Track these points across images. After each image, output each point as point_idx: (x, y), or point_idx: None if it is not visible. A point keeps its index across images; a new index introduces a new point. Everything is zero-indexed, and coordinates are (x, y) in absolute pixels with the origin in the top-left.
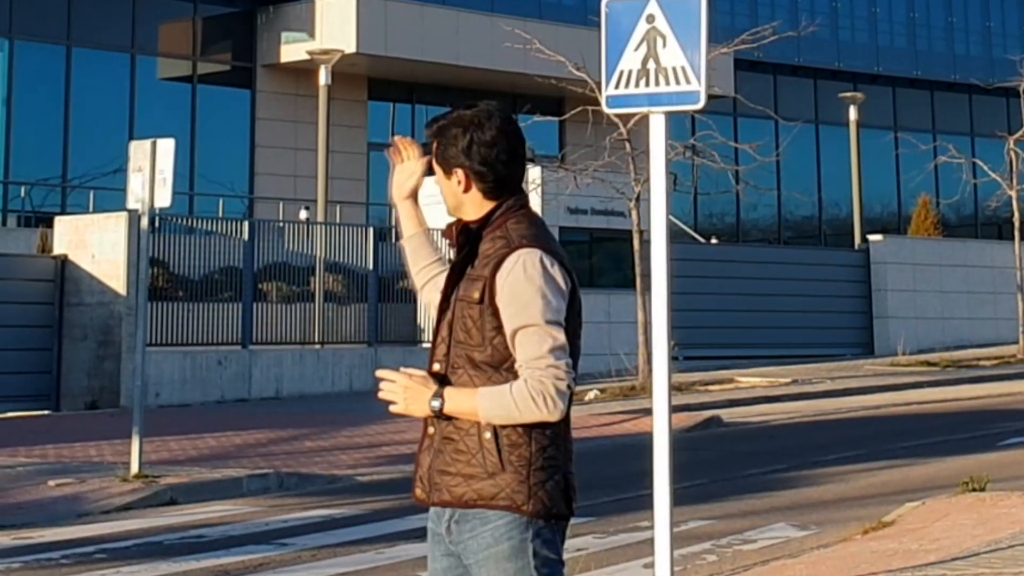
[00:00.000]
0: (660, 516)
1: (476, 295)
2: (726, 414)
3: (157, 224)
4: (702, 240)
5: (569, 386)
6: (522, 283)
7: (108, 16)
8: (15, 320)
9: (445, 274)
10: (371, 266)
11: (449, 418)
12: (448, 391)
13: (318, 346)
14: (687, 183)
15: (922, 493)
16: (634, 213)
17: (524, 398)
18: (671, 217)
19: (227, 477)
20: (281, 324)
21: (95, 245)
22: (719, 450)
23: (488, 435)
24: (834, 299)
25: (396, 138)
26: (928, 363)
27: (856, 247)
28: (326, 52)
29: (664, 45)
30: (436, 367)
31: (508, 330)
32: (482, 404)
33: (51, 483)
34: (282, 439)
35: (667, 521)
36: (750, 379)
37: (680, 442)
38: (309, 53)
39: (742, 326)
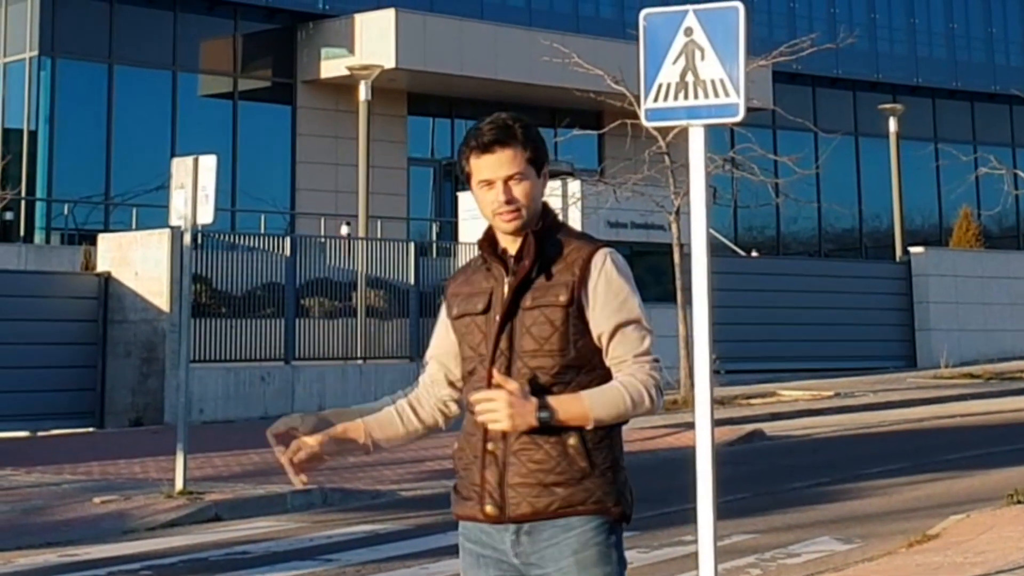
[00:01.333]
0: (704, 530)
1: (563, 298)
2: (768, 428)
3: (200, 241)
4: (742, 253)
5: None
6: (617, 281)
7: (150, 34)
8: (59, 337)
9: (408, 399)
10: (412, 281)
11: (537, 430)
12: (554, 400)
13: (360, 361)
14: (727, 196)
15: (967, 506)
16: (674, 226)
17: (638, 393)
18: (711, 230)
19: (271, 493)
20: (323, 340)
21: (138, 262)
22: (762, 464)
23: (573, 440)
24: (876, 311)
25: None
26: (971, 375)
27: (898, 259)
28: (366, 68)
29: (703, 58)
30: (498, 381)
31: (605, 327)
32: (593, 405)
33: (96, 500)
34: None
35: (711, 535)
36: (792, 392)
37: (723, 456)
38: (349, 69)
39: (784, 339)
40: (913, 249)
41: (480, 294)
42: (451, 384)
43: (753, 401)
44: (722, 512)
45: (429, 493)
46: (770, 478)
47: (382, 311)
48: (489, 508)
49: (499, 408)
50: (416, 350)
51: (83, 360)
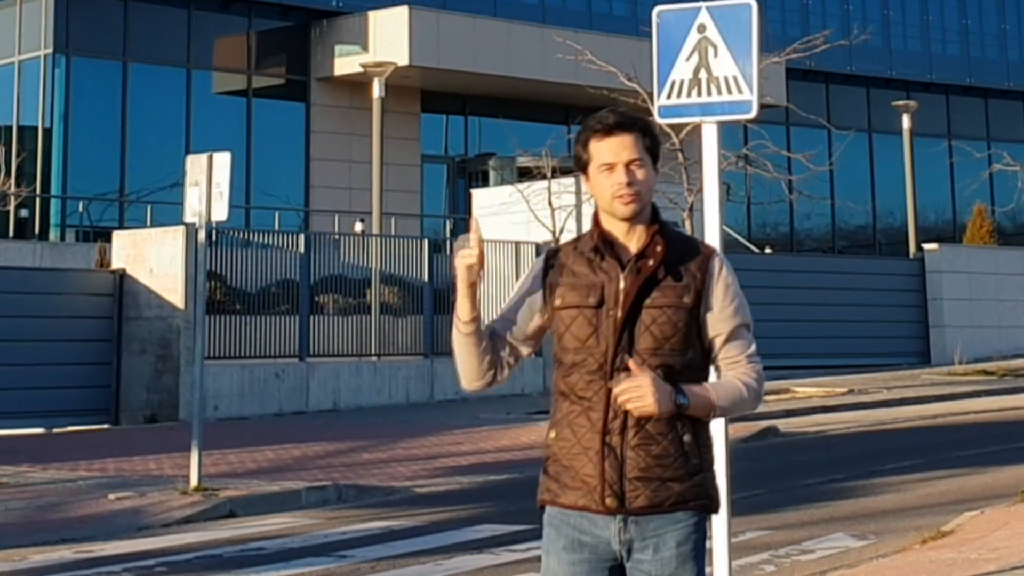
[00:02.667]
0: (718, 526)
1: (688, 300)
2: (782, 424)
3: (214, 238)
4: (756, 250)
5: None
6: (733, 284)
7: (164, 32)
8: (74, 334)
9: (493, 346)
10: (426, 278)
11: (646, 420)
12: (688, 388)
13: (375, 358)
14: (740, 193)
15: (981, 502)
16: (687, 223)
17: (753, 389)
18: (725, 227)
19: (286, 490)
20: (338, 336)
21: (153, 259)
22: (776, 460)
23: (688, 437)
24: (890, 308)
25: (476, 231)
26: (985, 372)
27: (911, 256)
28: (379, 65)
29: (716, 55)
30: (618, 376)
31: (722, 329)
32: (719, 397)
33: (111, 497)
34: (340, 451)
35: (725, 531)
36: (806, 389)
37: (737, 452)
38: (363, 66)
39: (798, 336)
40: (927, 246)
41: (591, 287)
42: (516, 358)
43: (767, 398)
44: (736, 509)
45: (443, 490)
46: (784, 474)
47: (396, 308)
48: (609, 500)
49: (646, 392)
50: (430, 346)
51: (98, 357)
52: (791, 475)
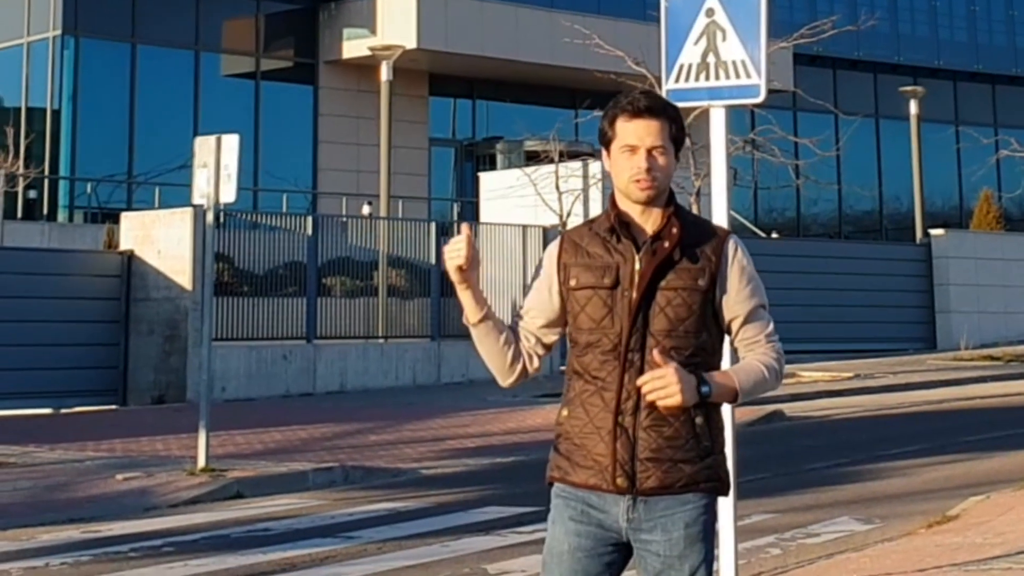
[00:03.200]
0: (724, 509)
1: (703, 283)
2: (788, 408)
3: (222, 219)
4: (762, 235)
5: None
6: (749, 266)
7: (172, 13)
8: (82, 315)
9: (516, 342)
10: (433, 260)
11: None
12: (711, 376)
13: (382, 340)
14: (747, 178)
15: (986, 487)
16: (695, 207)
17: (774, 371)
18: (732, 212)
19: (293, 471)
20: (345, 319)
21: (161, 241)
22: (781, 444)
23: (700, 419)
24: (896, 293)
25: (467, 233)
26: (991, 357)
27: (918, 241)
28: (387, 48)
29: (724, 39)
30: (634, 357)
31: (740, 311)
32: (741, 382)
33: (119, 477)
34: (347, 433)
35: (731, 514)
36: (812, 373)
37: (742, 436)
38: (371, 49)
39: (804, 320)
40: (933, 231)
41: (606, 268)
42: (543, 346)
43: None
44: (742, 492)
45: (450, 471)
46: (790, 458)
47: (403, 290)
48: (620, 480)
49: (671, 384)
50: (437, 329)
51: (106, 338)
52: (797, 459)
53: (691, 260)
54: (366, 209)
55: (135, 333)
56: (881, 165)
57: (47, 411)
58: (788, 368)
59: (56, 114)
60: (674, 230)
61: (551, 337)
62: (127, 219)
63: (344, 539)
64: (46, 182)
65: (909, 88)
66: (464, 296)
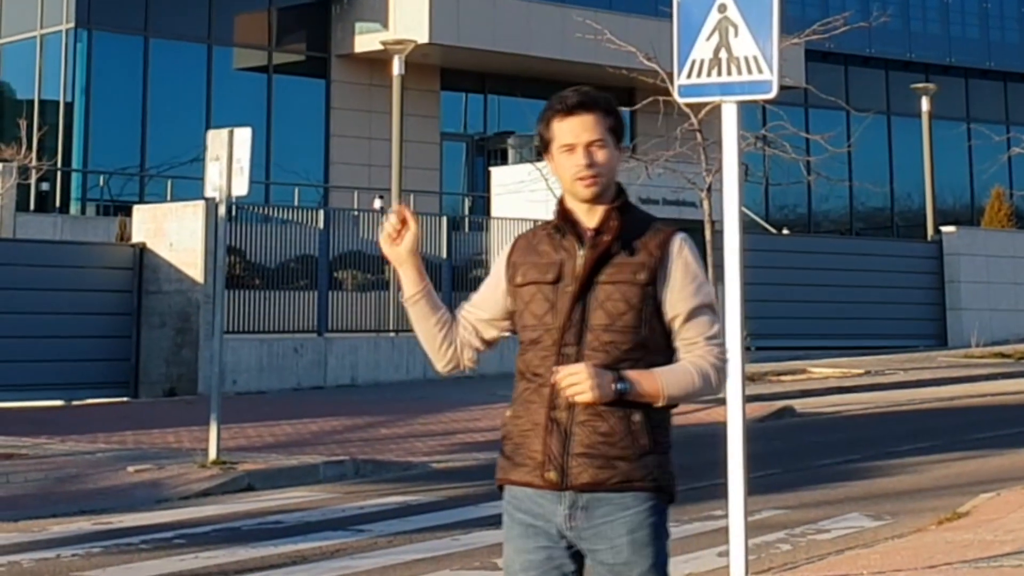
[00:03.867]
0: (734, 505)
1: (642, 277)
2: (799, 404)
3: (234, 213)
4: (773, 231)
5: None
6: (694, 264)
7: (185, 7)
8: (94, 308)
9: (451, 325)
10: (444, 255)
11: (611, 404)
12: (630, 374)
13: (393, 334)
14: (758, 174)
15: (997, 484)
16: (705, 203)
17: (706, 374)
18: (743, 208)
19: (304, 464)
20: (356, 312)
21: (173, 233)
22: (792, 440)
23: (638, 416)
24: (907, 290)
25: (399, 209)
26: (1002, 355)
27: (929, 239)
28: (399, 42)
29: (736, 35)
30: (568, 351)
31: (680, 310)
32: (666, 383)
33: (130, 469)
34: (358, 426)
35: (741, 510)
36: (823, 370)
37: (753, 432)
38: (383, 43)
39: (814, 317)
40: (945, 228)
41: (550, 264)
42: (481, 340)
43: (783, 378)
44: (752, 488)
45: (460, 465)
46: (800, 454)
47: None
48: (551, 474)
49: (582, 379)
50: None
51: (117, 330)
52: (807, 455)
53: (631, 254)
54: (377, 203)
55: (147, 325)
56: (892, 162)
57: (59, 403)
58: (799, 364)
59: (69, 107)
60: (613, 223)
61: (491, 332)
62: (139, 212)
63: (355, 532)
64: (58, 174)
65: (921, 85)
66: (401, 273)
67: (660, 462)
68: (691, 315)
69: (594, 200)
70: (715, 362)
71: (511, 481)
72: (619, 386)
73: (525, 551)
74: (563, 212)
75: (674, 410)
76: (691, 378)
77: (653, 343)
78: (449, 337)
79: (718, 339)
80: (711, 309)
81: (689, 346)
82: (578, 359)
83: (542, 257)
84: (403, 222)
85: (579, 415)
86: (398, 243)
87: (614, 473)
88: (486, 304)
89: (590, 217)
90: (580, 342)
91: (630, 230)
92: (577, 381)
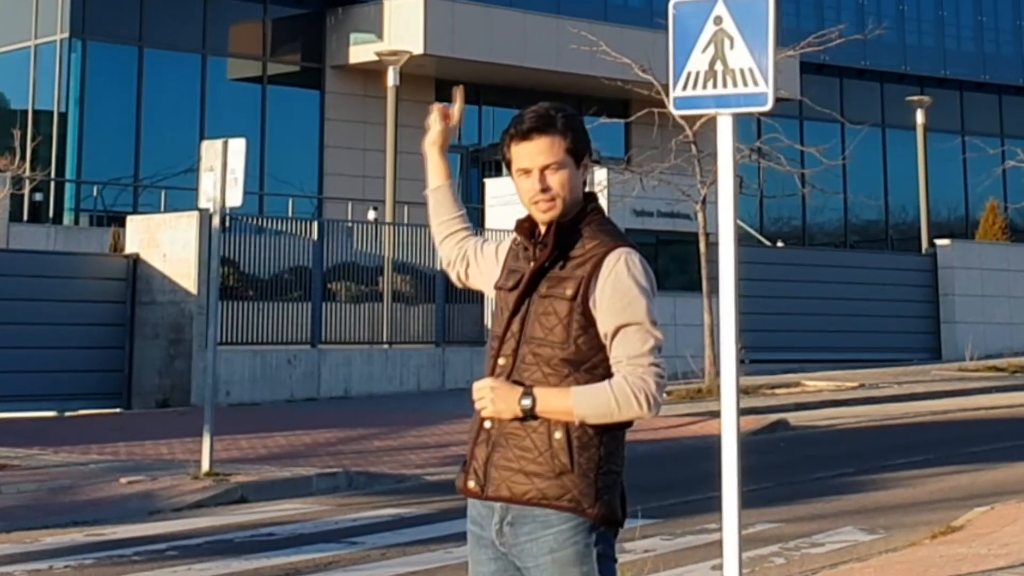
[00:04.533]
0: (728, 518)
1: (569, 292)
2: (793, 417)
3: (228, 224)
4: (768, 244)
5: (665, 385)
6: (626, 281)
7: (179, 17)
8: (87, 318)
9: (465, 232)
10: (438, 266)
11: (526, 418)
12: (538, 390)
13: (386, 346)
14: (753, 186)
15: (991, 498)
16: (700, 216)
17: (626, 396)
18: (738, 221)
19: (297, 476)
20: (350, 324)
21: (167, 244)
22: (786, 453)
23: (559, 434)
24: (901, 303)
25: (443, 107)
26: (996, 368)
27: (923, 252)
28: (394, 53)
29: (732, 47)
30: (502, 361)
31: (607, 327)
32: (578, 402)
33: (123, 480)
34: (351, 438)
35: (735, 523)
36: (817, 383)
37: (747, 445)
38: (377, 54)
39: (809, 330)
40: (939, 242)
41: (516, 272)
42: (460, 260)
43: (777, 391)
44: (746, 501)
45: (453, 478)
46: (794, 468)
47: (408, 296)
48: (472, 484)
49: (485, 395)
50: (442, 335)
51: (111, 341)
52: (801, 468)
53: (564, 269)
54: (371, 214)
55: (140, 336)
56: (887, 175)
57: (51, 414)
58: (793, 377)
59: (63, 117)
60: (550, 238)
61: (462, 263)
62: (133, 222)
63: (348, 544)
64: (52, 185)
65: (916, 98)
66: (431, 162)
67: (583, 483)
68: (616, 333)
69: (552, 222)
70: (638, 383)
71: (457, 488)
72: (523, 402)
73: (478, 562)
74: (527, 224)
75: (628, 430)
76: (607, 399)
77: (586, 360)
78: (463, 232)
79: (645, 359)
80: (641, 327)
81: (616, 365)
82: (512, 371)
83: (517, 263)
84: (446, 117)
85: (505, 428)
86: (446, 126)
87: (529, 488)
88: (483, 257)
89: (545, 228)
90: (516, 353)
91: (573, 245)
92: (480, 396)
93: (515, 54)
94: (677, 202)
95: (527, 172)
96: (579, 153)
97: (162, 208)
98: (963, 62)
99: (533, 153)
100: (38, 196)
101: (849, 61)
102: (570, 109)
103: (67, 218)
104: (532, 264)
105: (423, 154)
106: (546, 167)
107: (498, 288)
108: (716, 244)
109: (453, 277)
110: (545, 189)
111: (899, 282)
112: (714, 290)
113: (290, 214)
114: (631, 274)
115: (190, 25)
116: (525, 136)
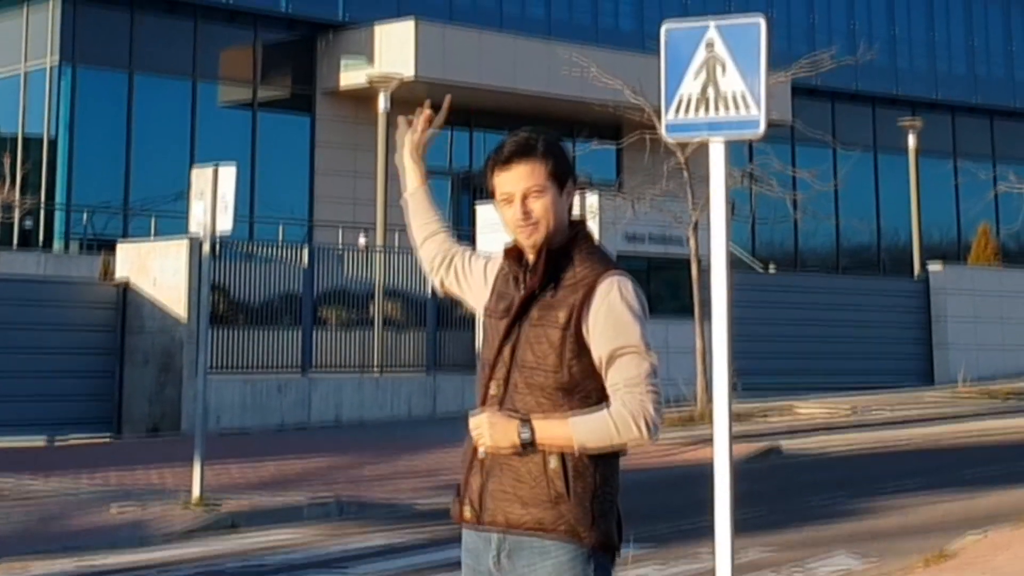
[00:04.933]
0: (721, 545)
1: (562, 319)
2: (786, 443)
3: (218, 250)
4: (760, 269)
5: (663, 408)
6: (619, 307)
7: (170, 43)
8: (78, 346)
9: (446, 233)
10: (429, 293)
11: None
12: (537, 421)
13: (377, 373)
14: (745, 211)
15: (984, 524)
16: (692, 241)
17: (625, 421)
18: (730, 245)
19: (288, 503)
20: (340, 350)
21: (156, 271)
22: (778, 479)
23: (554, 463)
24: (894, 328)
25: (426, 111)
26: (989, 393)
27: (916, 276)
28: (385, 78)
29: (724, 72)
30: (493, 389)
31: (602, 353)
32: (578, 431)
33: (113, 509)
34: (342, 466)
35: (728, 550)
36: (810, 408)
37: (739, 471)
38: (368, 79)
39: (801, 355)
40: (931, 266)
41: (506, 298)
42: (444, 266)
43: (770, 416)
44: (738, 527)
45: (444, 506)
46: (787, 494)
47: (399, 322)
48: (467, 512)
49: (483, 428)
50: (433, 361)
51: (101, 368)
52: (794, 494)
53: (555, 295)
54: (362, 240)
55: (130, 363)
56: (879, 198)
57: (41, 441)
58: (785, 403)
59: (53, 143)
60: (540, 265)
61: (445, 271)
62: (123, 249)
63: (339, 572)
64: (42, 211)
65: (907, 121)
66: (409, 168)
67: (579, 510)
68: (611, 359)
69: (536, 247)
70: (636, 408)
71: (452, 517)
72: (523, 434)
73: None
74: (514, 250)
75: (623, 457)
76: (606, 426)
77: (580, 387)
78: (437, 240)
79: (642, 384)
80: (635, 351)
81: (612, 391)
82: (504, 398)
83: (506, 288)
84: (428, 121)
85: (500, 456)
86: (420, 134)
87: (524, 516)
88: (471, 269)
89: (532, 254)
90: (508, 380)
91: (564, 272)
92: (477, 427)
93: (506, 78)
94: (669, 227)
95: (510, 199)
96: (561, 178)
97: (152, 233)
98: (955, 85)
99: (514, 179)
100: (28, 223)
101: (841, 85)
102: (551, 135)
103: (57, 244)
104: (523, 291)
105: (398, 167)
106: (528, 193)
107: (488, 314)
108: (708, 269)
109: (437, 283)
110: (527, 214)
111: (892, 307)
112: (706, 316)
113: (280, 238)
114: (624, 300)
115: (180, 51)
116: (506, 163)
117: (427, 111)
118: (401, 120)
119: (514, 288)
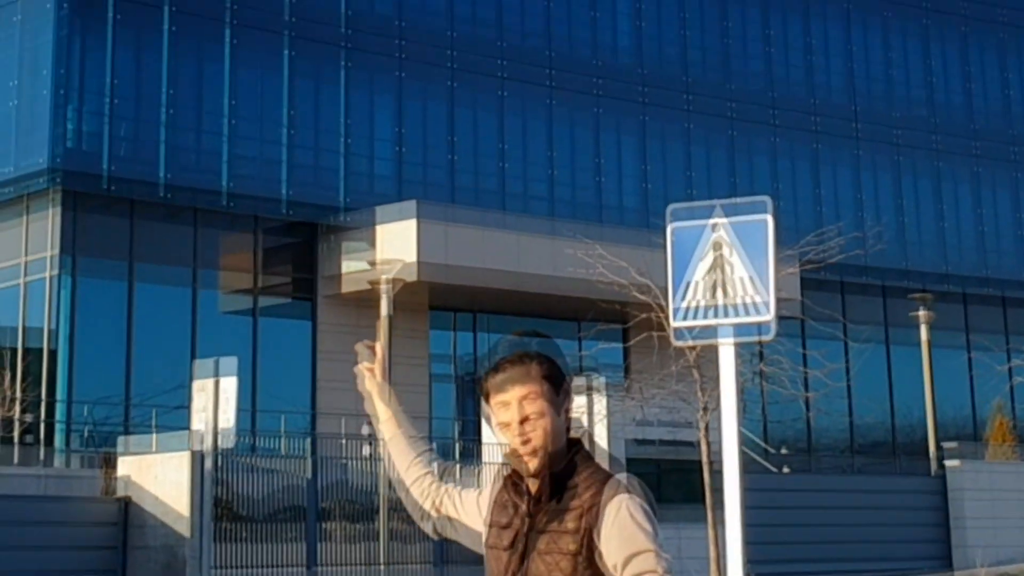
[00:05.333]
0: None
1: (572, 547)
2: None
3: (219, 462)
4: (774, 469)
5: None
6: (630, 525)
7: (169, 251)
8: (79, 565)
9: (430, 477)
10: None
11: None
12: None
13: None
14: (756, 411)
15: None
16: (704, 443)
17: None
18: (742, 447)
19: None
20: (346, 560)
21: (158, 485)
22: None
23: None
24: (909, 528)
25: (374, 346)
26: None
27: (932, 473)
28: (387, 281)
29: (732, 272)
30: None
31: (618, 559)
32: None
33: None
34: None
35: None
36: None
37: None
38: (370, 283)
39: (815, 558)
40: (949, 463)
41: (508, 529)
42: (439, 495)
43: None
44: None
45: None
46: None
47: (405, 534)
48: None
49: None
50: (440, 558)
51: None
52: None
53: (562, 523)
54: (366, 429)
55: None
56: (892, 385)
57: None
58: None
59: (52, 354)
60: (543, 497)
61: (433, 507)
62: (124, 463)
63: None
64: (42, 425)
65: (920, 312)
66: (376, 404)
67: None
68: (627, 561)
69: (538, 473)
70: None
71: None
72: None
73: None
74: (508, 477)
75: None
76: None
77: None
78: (427, 480)
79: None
80: (650, 552)
81: None
82: None
83: (505, 518)
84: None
85: None
86: (373, 376)
87: None
88: (466, 509)
89: (532, 481)
90: None
91: (567, 498)
92: None
93: (511, 279)
94: (679, 429)
95: (507, 425)
96: (558, 399)
97: (153, 446)
98: (965, 268)
99: (511, 405)
100: (28, 438)
101: (850, 276)
102: (544, 355)
103: (58, 459)
104: (526, 523)
105: (368, 412)
106: (524, 419)
107: (490, 547)
108: (720, 472)
109: (428, 506)
110: (526, 442)
111: (908, 505)
112: (720, 521)
113: (283, 428)
114: (634, 520)
115: (180, 256)
116: (501, 388)
117: (363, 344)
118: (359, 347)
119: (516, 518)
